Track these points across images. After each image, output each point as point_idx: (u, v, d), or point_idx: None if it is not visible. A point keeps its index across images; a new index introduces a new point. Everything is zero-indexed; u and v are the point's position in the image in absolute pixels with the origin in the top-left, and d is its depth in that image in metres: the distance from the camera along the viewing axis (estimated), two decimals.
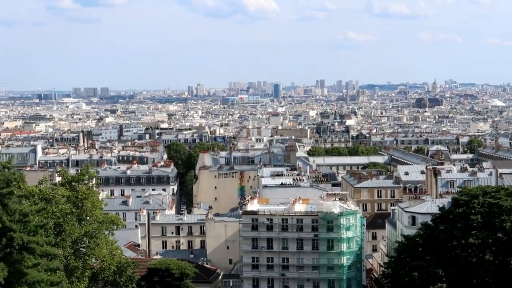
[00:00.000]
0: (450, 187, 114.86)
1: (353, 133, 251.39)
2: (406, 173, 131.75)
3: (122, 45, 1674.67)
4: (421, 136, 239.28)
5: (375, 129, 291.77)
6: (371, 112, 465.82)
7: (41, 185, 69.62)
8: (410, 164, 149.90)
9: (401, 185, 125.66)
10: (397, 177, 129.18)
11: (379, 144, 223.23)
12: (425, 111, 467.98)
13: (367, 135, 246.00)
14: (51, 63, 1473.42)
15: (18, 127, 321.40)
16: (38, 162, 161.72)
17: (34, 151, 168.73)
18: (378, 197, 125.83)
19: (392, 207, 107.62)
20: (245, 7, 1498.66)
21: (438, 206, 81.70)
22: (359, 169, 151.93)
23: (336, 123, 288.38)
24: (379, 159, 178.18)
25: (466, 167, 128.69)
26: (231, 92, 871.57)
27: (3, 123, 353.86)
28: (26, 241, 50.02)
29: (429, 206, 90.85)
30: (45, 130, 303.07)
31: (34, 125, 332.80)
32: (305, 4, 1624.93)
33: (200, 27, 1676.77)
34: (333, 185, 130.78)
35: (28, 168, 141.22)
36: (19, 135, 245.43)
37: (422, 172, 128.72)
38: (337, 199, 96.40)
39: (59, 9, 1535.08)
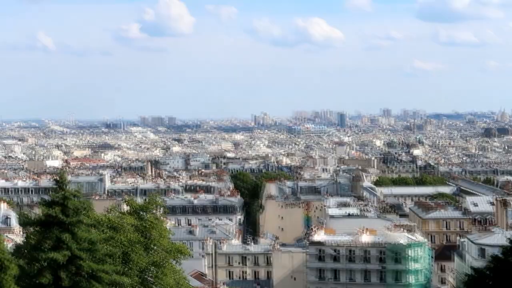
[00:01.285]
0: None
1: (420, 163, 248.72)
2: (475, 204, 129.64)
3: (188, 74, 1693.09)
4: (489, 167, 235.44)
5: (442, 159, 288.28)
6: (438, 141, 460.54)
7: (109, 214, 70.26)
8: (479, 195, 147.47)
9: (470, 216, 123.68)
10: (466, 208, 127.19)
11: (447, 174, 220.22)
12: (494, 141, 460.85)
13: (434, 165, 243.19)
14: (119, 92, 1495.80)
15: (87, 156, 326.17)
16: (106, 191, 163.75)
17: (102, 180, 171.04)
18: (446, 228, 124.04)
19: (461, 239, 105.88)
20: (311, 36, 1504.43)
21: (508, 238, 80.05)
22: (427, 200, 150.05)
23: (402, 153, 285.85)
24: (447, 190, 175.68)
25: None
26: (297, 121, 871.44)
27: (72, 152, 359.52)
28: (95, 269, 50.42)
29: (499, 238, 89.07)
30: (113, 159, 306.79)
31: (102, 154, 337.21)
32: (370, 33, 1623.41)
33: (266, 56, 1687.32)
34: (400, 215, 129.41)
35: (96, 197, 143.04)
36: (87, 164, 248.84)
37: (491, 203, 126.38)
38: (404, 230, 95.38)
39: (127, 39, 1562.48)
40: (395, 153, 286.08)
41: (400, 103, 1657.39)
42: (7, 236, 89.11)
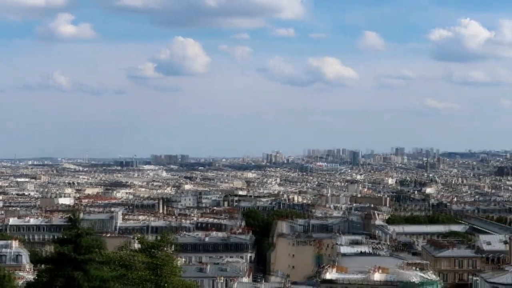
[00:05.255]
0: None
1: (433, 201, 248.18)
2: (488, 243, 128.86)
3: (201, 113, 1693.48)
4: (502, 205, 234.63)
5: (455, 197, 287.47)
6: (451, 180, 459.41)
7: (121, 252, 70.46)
8: (491, 234, 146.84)
9: (483, 255, 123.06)
10: (478, 247, 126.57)
11: (459, 213, 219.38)
12: (507, 179, 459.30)
13: (447, 203, 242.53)
14: (133, 131, 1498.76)
15: (99, 193, 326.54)
16: (117, 228, 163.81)
17: (113, 217, 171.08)
18: (459, 267, 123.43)
19: (474, 277, 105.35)
20: (324, 75, 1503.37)
21: None
22: (439, 238, 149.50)
23: (415, 191, 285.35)
24: (459, 228, 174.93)
25: None
26: (309, 160, 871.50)
27: (85, 189, 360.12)
28: None
29: None
30: (125, 196, 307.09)
31: (114, 191, 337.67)
32: (383, 72, 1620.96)
33: (279, 95, 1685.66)
34: (413, 254, 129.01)
35: (107, 235, 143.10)
36: (99, 202, 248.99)
37: (504, 242, 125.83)
38: (416, 268, 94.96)
39: (142, 78, 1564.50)
40: (408, 191, 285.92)
41: (412, 141, 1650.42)
42: (18, 274, 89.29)
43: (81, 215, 70.87)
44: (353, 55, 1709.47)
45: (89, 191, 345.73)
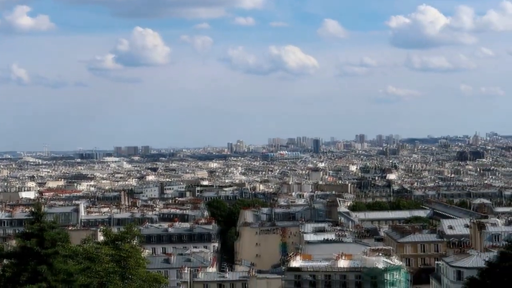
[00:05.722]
0: (496, 240, 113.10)
1: (395, 187, 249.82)
2: (450, 227, 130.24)
3: (163, 104, 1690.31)
4: (463, 190, 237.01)
5: (416, 183, 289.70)
6: (412, 166, 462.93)
7: (85, 244, 70.06)
8: (454, 218, 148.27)
9: (445, 239, 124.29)
10: (441, 231, 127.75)
11: (421, 198, 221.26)
12: (467, 164, 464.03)
13: (409, 189, 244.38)
14: (93, 123, 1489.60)
15: (61, 186, 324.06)
16: (80, 221, 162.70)
17: (76, 210, 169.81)
18: (422, 251, 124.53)
19: (437, 262, 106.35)
20: (285, 64, 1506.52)
21: (484, 260, 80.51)
22: (402, 224, 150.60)
23: (377, 178, 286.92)
24: (422, 213, 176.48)
25: (511, 220, 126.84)
26: (271, 148, 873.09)
27: (46, 183, 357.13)
28: None
29: (475, 260, 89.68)
30: (87, 189, 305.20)
31: (76, 184, 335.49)
32: (345, 60, 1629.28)
33: (241, 84, 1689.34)
34: (376, 240, 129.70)
35: (71, 228, 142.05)
36: (61, 195, 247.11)
37: (467, 226, 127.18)
38: (381, 254, 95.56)
39: (102, 69, 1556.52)
40: (370, 178, 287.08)
41: (374, 129, 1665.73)
42: None
43: (44, 209, 70.37)
44: (314, 43, 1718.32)
45: (51, 184, 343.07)
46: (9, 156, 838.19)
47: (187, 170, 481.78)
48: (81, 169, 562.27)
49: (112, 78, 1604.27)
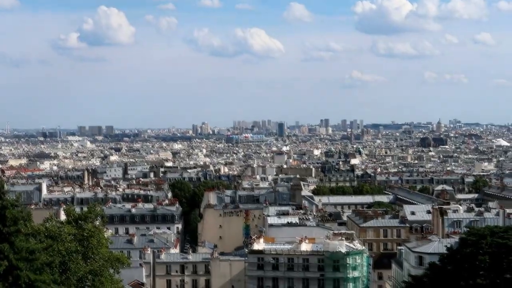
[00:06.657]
0: (457, 227, 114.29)
1: (358, 172, 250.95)
2: (412, 213, 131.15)
3: (127, 84, 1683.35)
4: (425, 176, 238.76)
5: (379, 168, 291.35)
6: (376, 151, 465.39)
7: (47, 223, 69.52)
8: (416, 204, 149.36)
9: (407, 225, 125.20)
10: (403, 217, 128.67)
11: (384, 183, 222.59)
12: (430, 151, 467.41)
13: (372, 174, 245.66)
14: (56, 102, 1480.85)
15: (23, 165, 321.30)
16: (43, 200, 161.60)
17: (39, 189, 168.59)
18: (384, 236, 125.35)
19: (399, 247, 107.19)
20: (250, 47, 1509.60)
21: (446, 246, 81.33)
22: (364, 209, 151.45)
23: (340, 162, 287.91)
24: (384, 199, 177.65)
25: (472, 207, 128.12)
26: (236, 131, 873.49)
27: (8, 161, 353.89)
28: (33, 279, 49.76)
29: (436, 246, 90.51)
30: (49, 168, 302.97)
31: (38, 163, 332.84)
32: (310, 45, 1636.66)
33: (206, 66, 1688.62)
34: (339, 224, 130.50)
35: (33, 206, 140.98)
36: (23, 173, 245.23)
37: (428, 212, 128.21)
38: (343, 238, 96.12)
39: (65, 48, 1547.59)
40: (333, 162, 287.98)
41: (339, 113, 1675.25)
42: None
43: (6, 187, 69.75)
44: (280, 26, 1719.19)
45: (12, 162, 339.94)
46: None
47: (151, 151, 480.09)
48: (43, 147, 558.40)
49: (76, 57, 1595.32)
